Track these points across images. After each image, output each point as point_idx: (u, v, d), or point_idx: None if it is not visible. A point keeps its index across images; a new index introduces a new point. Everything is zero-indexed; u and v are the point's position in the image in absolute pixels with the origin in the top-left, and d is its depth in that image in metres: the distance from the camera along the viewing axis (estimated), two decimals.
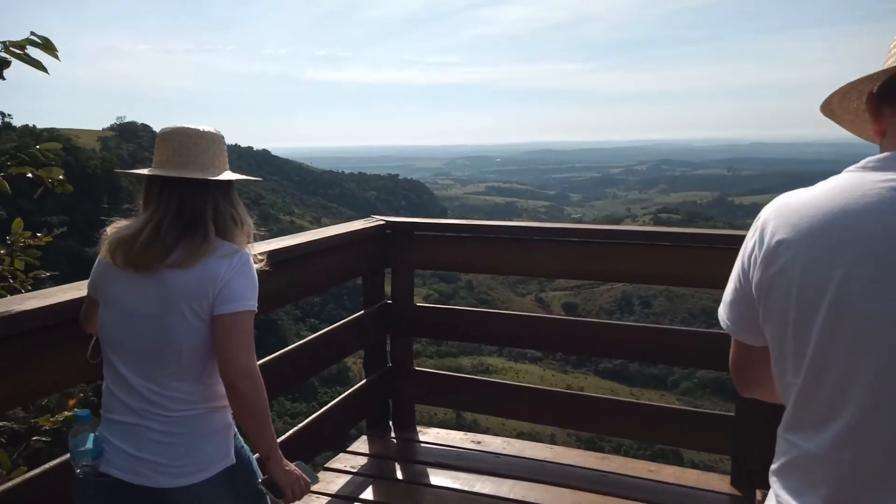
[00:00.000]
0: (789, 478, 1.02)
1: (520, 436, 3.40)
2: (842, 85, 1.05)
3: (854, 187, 0.96)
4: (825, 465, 0.96)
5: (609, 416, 3.19)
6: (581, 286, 68.72)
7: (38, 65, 1.94)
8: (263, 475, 1.59)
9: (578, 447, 3.51)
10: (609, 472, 2.98)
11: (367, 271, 3.37)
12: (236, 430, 1.64)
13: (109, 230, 1.55)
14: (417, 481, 3.02)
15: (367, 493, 2.88)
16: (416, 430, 3.46)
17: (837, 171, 1.03)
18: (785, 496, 1.01)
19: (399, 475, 3.09)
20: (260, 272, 1.58)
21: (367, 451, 3.24)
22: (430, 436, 3.40)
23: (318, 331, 3.14)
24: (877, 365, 0.89)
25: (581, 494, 2.80)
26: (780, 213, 1.02)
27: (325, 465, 3.08)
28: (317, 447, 3.05)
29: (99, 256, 1.58)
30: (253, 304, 1.51)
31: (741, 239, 1.15)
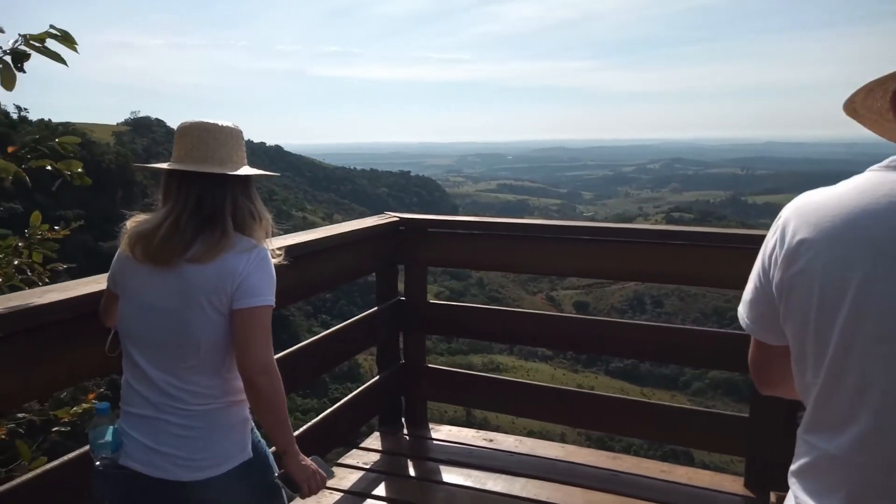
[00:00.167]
0: (809, 479, 1.02)
1: (530, 434, 3.40)
2: (866, 82, 1.03)
3: (877, 186, 0.95)
4: (845, 467, 0.95)
5: (621, 415, 3.18)
6: (592, 285, 68.51)
7: (57, 57, 1.95)
8: (280, 469, 1.59)
9: (589, 446, 3.49)
10: (621, 472, 2.97)
11: (381, 268, 3.38)
12: (253, 424, 1.65)
13: (129, 224, 1.56)
14: (429, 478, 3.02)
15: (380, 490, 2.89)
16: (428, 427, 3.46)
17: (851, 171, 1.02)
18: (804, 498, 1.01)
19: (411, 472, 3.10)
20: (277, 267, 1.58)
21: (380, 448, 3.25)
22: (443, 433, 3.40)
23: (329, 327, 3.15)
24: (894, 367, 0.89)
25: (593, 494, 2.79)
26: (802, 212, 1.01)
27: (338, 462, 3.10)
28: (330, 443, 3.07)
29: (119, 250, 1.59)
30: (271, 299, 1.52)
31: (755, 238, 1.14)
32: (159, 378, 1.52)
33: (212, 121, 1.58)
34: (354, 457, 3.14)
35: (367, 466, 3.06)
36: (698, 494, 2.80)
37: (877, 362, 0.90)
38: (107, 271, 1.71)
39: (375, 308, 3.31)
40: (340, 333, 3.08)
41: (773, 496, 2.71)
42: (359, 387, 3.33)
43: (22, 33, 1.96)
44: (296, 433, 1.59)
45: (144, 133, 69.11)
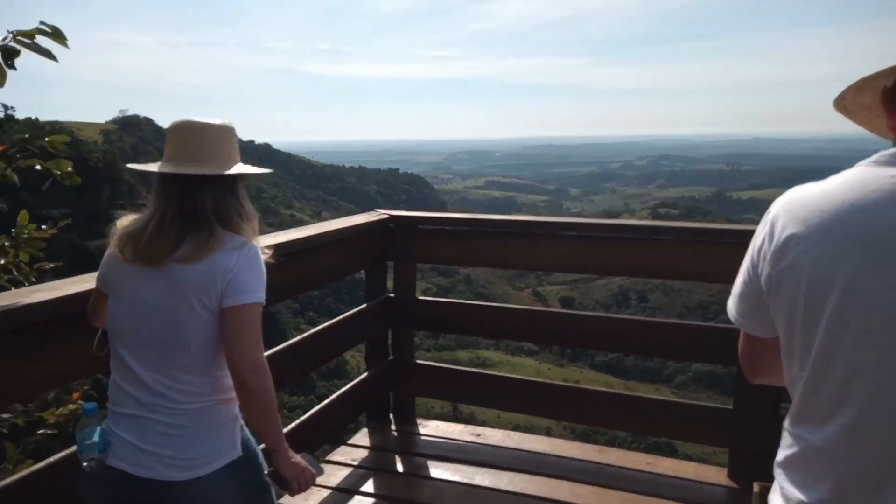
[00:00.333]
0: (795, 470, 1.03)
1: (516, 428, 3.43)
2: (856, 80, 1.04)
3: (866, 182, 0.95)
4: (830, 459, 0.96)
5: (607, 408, 3.22)
6: (578, 281, 68.80)
7: (47, 54, 1.94)
8: (269, 467, 1.59)
9: (574, 440, 3.53)
10: (607, 465, 3.01)
11: (370, 265, 3.39)
12: (242, 422, 1.65)
13: (119, 224, 1.56)
14: (418, 474, 3.04)
15: (368, 486, 2.90)
16: (416, 422, 3.48)
17: (836, 167, 1.03)
18: (790, 488, 1.02)
19: (399, 468, 3.11)
20: (266, 264, 1.58)
21: (368, 444, 3.26)
22: (431, 428, 3.42)
23: (317, 324, 3.15)
24: (879, 360, 0.90)
25: (579, 486, 2.82)
26: (791, 207, 1.02)
27: (326, 458, 3.11)
28: (318, 440, 3.07)
29: (108, 250, 1.58)
30: (261, 297, 1.51)
31: (740, 233, 1.16)
32: (149, 377, 1.51)
33: (200, 119, 1.58)
34: (343, 453, 3.15)
35: (356, 463, 3.07)
36: (683, 486, 2.84)
37: (863, 355, 0.91)
38: (94, 270, 1.70)
39: (364, 305, 3.32)
40: (329, 330, 3.08)
41: (756, 486, 2.75)
42: (346, 384, 3.33)
43: (11, 30, 1.95)
44: (284, 430, 1.59)
45: (133, 131, 68.36)
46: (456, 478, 2.93)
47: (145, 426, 1.50)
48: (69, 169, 2.42)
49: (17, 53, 1.91)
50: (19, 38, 1.92)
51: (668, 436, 3.42)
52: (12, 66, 1.90)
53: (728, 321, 1.25)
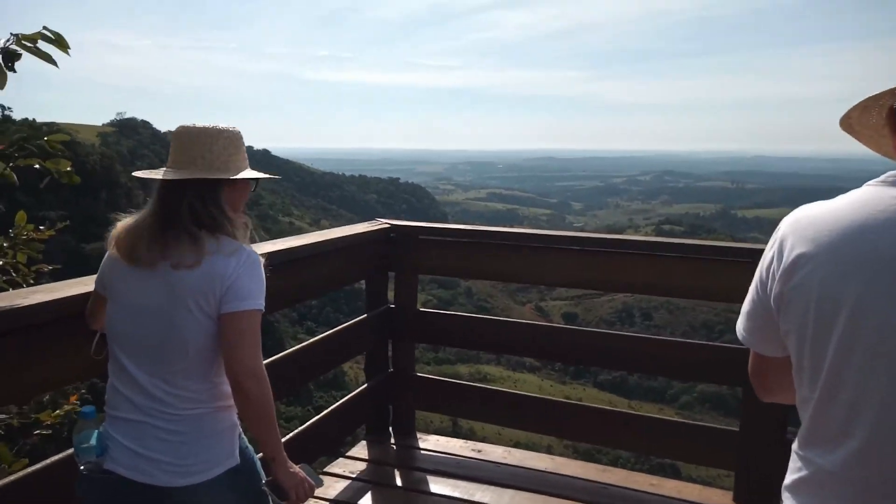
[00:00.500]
0: (803, 494, 1.02)
1: (517, 445, 3.39)
2: (862, 99, 1.04)
3: (875, 201, 0.95)
4: (839, 483, 0.95)
5: (612, 427, 3.17)
6: (582, 296, 68.71)
7: (48, 58, 1.94)
8: (268, 476, 1.57)
9: (576, 458, 3.48)
10: (610, 485, 2.96)
11: (371, 274, 3.36)
12: (241, 430, 1.63)
13: (118, 226, 1.55)
14: (416, 488, 2.99)
15: (366, 500, 2.86)
16: (416, 436, 3.43)
17: (841, 188, 1.03)
18: None
19: (398, 482, 3.06)
20: (267, 272, 1.57)
21: (367, 457, 3.22)
22: (430, 443, 3.38)
23: (315, 334, 3.13)
24: (889, 383, 0.89)
25: None
26: (800, 225, 1.02)
27: (324, 470, 3.06)
28: (316, 451, 3.04)
29: (107, 252, 1.58)
30: (260, 304, 1.50)
31: (746, 252, 1.15)
32: (146, 381, 1.49)
33: (191, 123, 1.58)
34: (341, 465, 3.11)
35: (354, 475, 3.03)
36: None
37: (872, 378, 0.90)
38: (90, 273, 1.69)
39: (364, 315, 3.29)
40: (329, 340, 3.05)
41: None
42: (344, 395, 3.30)
43: (14, 32, 1.94)
44: (282, 440, 1.57)
45: (130, 134, 68.58)
46: (456, 494, 2.88)
47: (143, 431, 1.49)
48: (68, 168, 2.40)
49: (18, 56, 1.90)
50: (22, 41, 1.91)
51: (673, 457, 3.37)
52: (12, 69, 1.89)
53: (734, 341, 1.23)
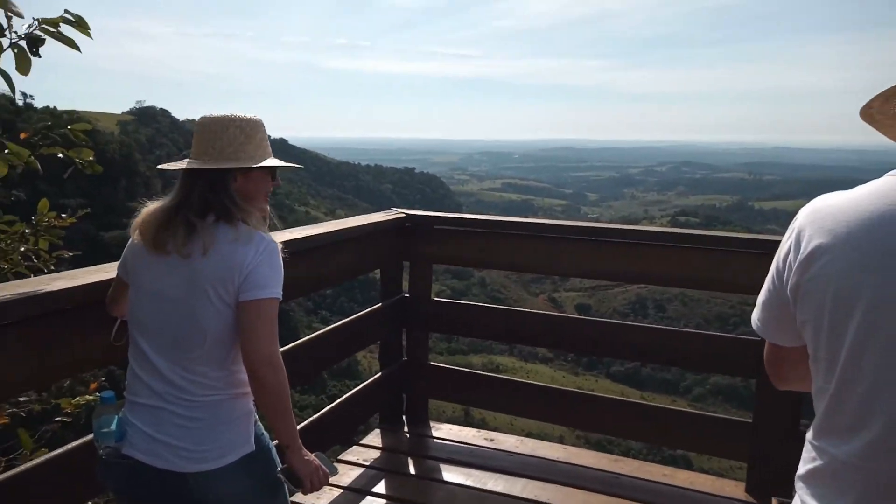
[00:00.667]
0: (817, 484, 1.01)
1: (529, 436, 3.39)
2: (885, 88, 1.02)
3: (894, 192, 0.94)
4: (854, 473, 0.95)
5: (625, 418, 3.17)
6: (595, 288, 68.35)
7: (70, 43, 1.95)
8: (283, 464, 1.59)
9: (587, 449, 3.48)
10: (622, 475, 2.97)
11: (386, 264, 3.37)
12: (256, 417, 1.65)
13: (142, 212, 1.58)
14: (430, 477, 3.02)
15: (380, 487, 2.88)
16: (429, 425, 3.46)
17: (861, 178, 1.02)
18: (812, 502, 1.01)
19: (411, 470, 3.09)
20: (283, 260, 1.58)
21: (380, 445, 3.25)
22: (443, 432, 3.40)
23: (330, 323, 3.15)
24: None
25: (594, 496, 2.79)
26: (818, 216, 1.01)
27: (338, 458, 3.10)
28: (330, 439, 3.06)
29: (130, 239, 1.60)
30: (278, 292, 1.52)
31: (762, 243, 1.14)
32: (165, 367, 1.52)
33: (209, 113, 1.60)
34: (354, 453, 3.14)
35: (367, 463, 3.05)
36: (700, 499, 2.79)
37: (889, 369, 0.90)
38: (110, 261, 1.71)
39: (379, 304, 3.31)
40: (343, 329, 3.07)
41: (774, 502, 2.70)
42: (358, 384, 3.32)
43: (37, 17, 1.96)
44: (297, 427, 1.59)
45: (149, 123, 68.64)
46: (468, 482, 2.90)
47: (160, 416, 1.52)
48: (91, 158, 2.43)
49: (41, 42, 1.91)
50: (44, 26, 1.92)
51: (686, 448, 3.36)
52: (37, 54, 1.90)
53: (748, 333, 1.22)
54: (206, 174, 1.55)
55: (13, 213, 2.59)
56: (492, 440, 3.30)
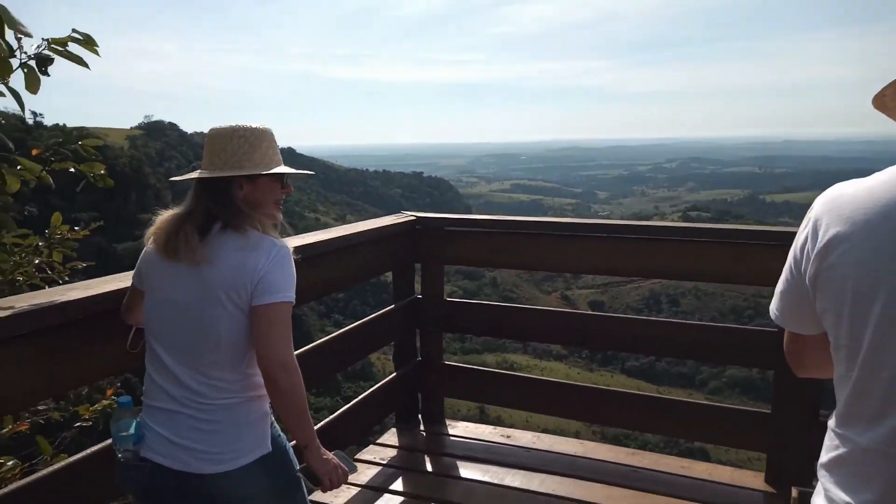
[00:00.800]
0: (840, 472, 1.01)
1: (544, 432, 3.39)
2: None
3: None
4: (879, 460, 0.94)
5: (642, 412, 3.16)
6: (608, 284, 68.09)
7: (79, 61, 1.98)
8: (301, 463, 1.60)
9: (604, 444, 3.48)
10: (640, 468, 2.96)
11: (398, 266, 3.38)
12: (273, 418, 1.66)
13: (157, 220, 1.60)
14: (447, 473, 3.02)
15: (397, 485, 2.89)
16: (445, 423, 3.46)
17: (872, 169, 1.01)
18: (836, 491, 1.00)
19: (429, 467, 3.09)
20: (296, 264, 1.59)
21: (397, 444, 3.26)
22: (460, 429, 3.40)
23: (342, 326, 3.16)
24: None
25: (612, 489, 2.78)
26: (834, 205, 1.01)
27: (355, 457, 3.11)
28: (346, 439, 3.07)
29: (145, 247, 1.63)
30: (291, 296, 1.53)
31: (778, 235, 1.14)
32: (181, 373, 1.54)
33: (218, 125, 1.63)
34: (372, 452, 3.15)
35: (385, 462, 3.07)
36: (719, 490, 2.78)
37: None
38: (121, 272, 1.73)
39: (392, 306, 3.32)
40: (357, 331, 3.08)
41: (794, 491, 2.68)
42: (372, 385, 3.33)
43: (45, 37, 1.99)
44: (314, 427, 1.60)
45: (158, 137, 69.10)
46: (486, 478, 2.91)
47: (178, 420, 1.53)
48: (102, 171, 2.46)
49: (51, 61, 1.95)
50: (53, 45, 1.95)
51: (704, 440, 3.34)
52: (46, 73, 1.94)
53: (763, 324, 1.22)
54: (211, 183, 1.57)
55: (26, 228, 2.62)
56: (508, 437, 3.30)
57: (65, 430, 2.62)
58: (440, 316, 3.43)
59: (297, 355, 1.56)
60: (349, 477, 1.64)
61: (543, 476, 2.89)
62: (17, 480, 1.88)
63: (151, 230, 1.59)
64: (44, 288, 2.38)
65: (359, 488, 2.83)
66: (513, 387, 3.43)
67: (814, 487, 1.09)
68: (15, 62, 1.89)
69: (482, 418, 25.27)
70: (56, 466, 1.78)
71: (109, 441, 1.64)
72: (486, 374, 3.65)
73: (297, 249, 1.64)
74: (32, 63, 1.94)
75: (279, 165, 1.65)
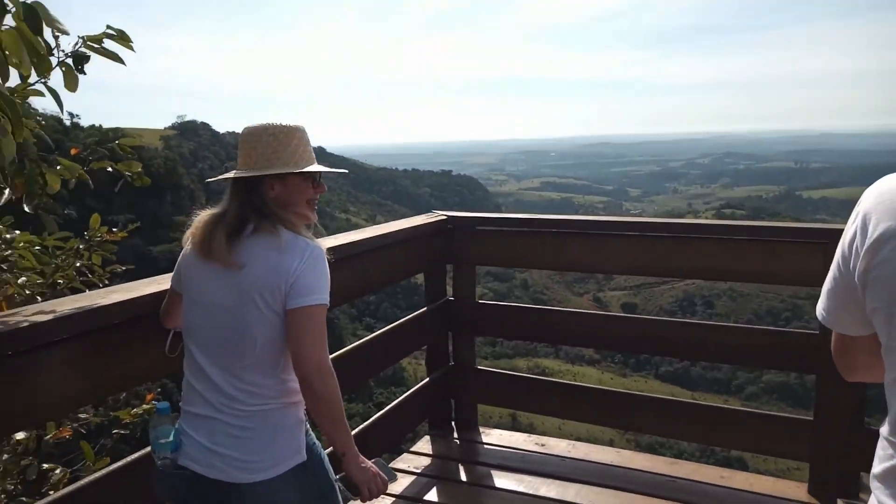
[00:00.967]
0: None
1: (577, 439, 3.32)
2: None
3: None
4: None
5: (679, 418, 3.09)
6: (641, 286, 67.26)
7: (115, 57, 1.98)
8: (339, 472, 1.58)
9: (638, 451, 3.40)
10: (679, 478, 2.89)
11: (429, 267, 3.36)
12: (308, 426, 1.65)
13: (195, 221, 1.60)
14: (481, 483, 2.99)
15: (432, 495, 2.87)
16: (478, 430, 3.43)
17: None
18: (891, 503, 0.95)
19: (463, 477, 3.06)
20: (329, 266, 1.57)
21: (431, 452, 3.23)
22: (493, 437, 3.36)
23: (374, 330, 3.14)
24: None
25: (652, 500, 2.71)
26: (884, 199, 0.97)
27: (389, 466, 3.09)
28: (380, 447, 3.06)
29: (184, 249, 1.63)
30: (325, 298, 1.51)
31: (818, 232, 1.08)
32: (217, 377, 1.53)
33: (251, 124, 1.62)
34: (406, 461, 3.13)
35: (419, 471, 3.04)
36: (762, 501, 2.70)
37: None
38: (158, 274, 1.73)
39: (424, 308, 3.30)
40: (389, 335, 3.07)
41: (840, 502, 2.59)
42: (404, 391, 3.31)
43: (80, 35, 2.00)
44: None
45: (191, 137, 70.03)
46: (521, 488, 2.86)
47: (213, 427, 1.53)
48: (139, 169, 2.48)
49: (87, 59, 1.96)
50: (88, 42, 1.96)
51: (744, 448, 3.24)
52: (82, 71, 1.95)
53: (804, 326, 1.17)
54: (243, 183, 1.57)
55: (65, 230, 2.66)
56: (542, 445, 3.25)
57: (103, 436, 2.65)
58: (473, 318, 3.40)
59: (332, 360, 1.54)
60: (388, 487, 1.62)
61: (579, 486, 2.84)
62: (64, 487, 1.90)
63: (189, 231, 1.59)
64: (84, 291, 2.41)
65: (393, 499, 2.80)
66: (548, 393, 3.37)
67: (861, 500, 1.04)
68: (53, 60, 1.91)
69: (515, 425, 25.12)
70: (99, 474, 1.79)
71: (150, 448, 1.64)
72: (520, 379, 3.59)
73: (331, 250, 1.62)
74: (69, 61, 1.95)
75: (311, 164, 1.63)
